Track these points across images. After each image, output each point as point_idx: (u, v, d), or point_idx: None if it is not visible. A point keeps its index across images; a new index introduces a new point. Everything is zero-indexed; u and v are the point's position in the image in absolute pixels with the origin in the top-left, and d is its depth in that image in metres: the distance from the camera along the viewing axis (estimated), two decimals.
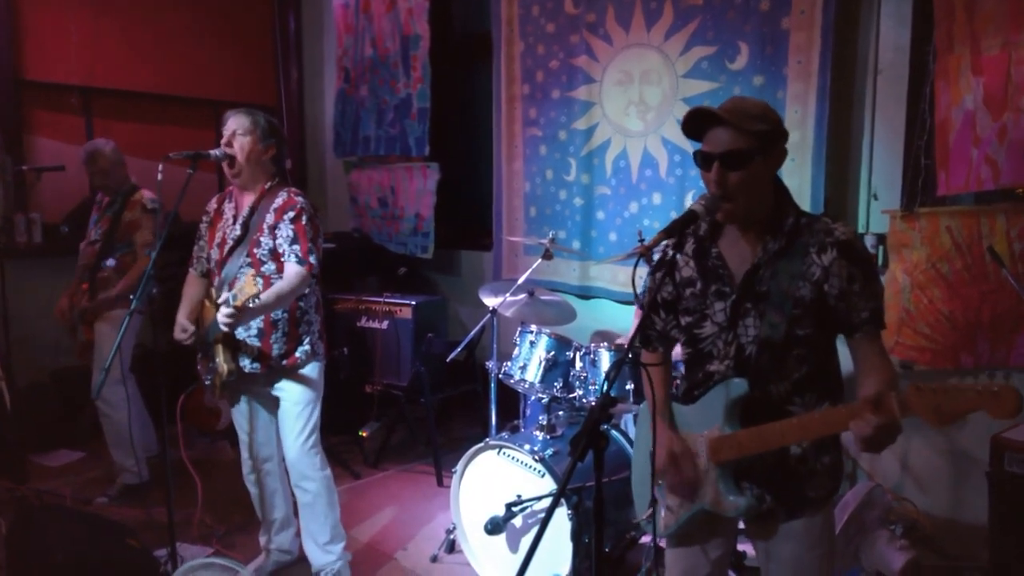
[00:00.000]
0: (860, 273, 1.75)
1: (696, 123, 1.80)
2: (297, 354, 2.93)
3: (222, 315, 2.59)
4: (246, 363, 2.88)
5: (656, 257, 3.55)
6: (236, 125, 2.86)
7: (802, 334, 1.78)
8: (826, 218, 1.83)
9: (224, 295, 2.63)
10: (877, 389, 1.61)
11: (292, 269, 2.81)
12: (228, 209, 2.99)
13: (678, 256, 1.94)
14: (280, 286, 2.76)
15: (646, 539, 3.21)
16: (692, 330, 1.92)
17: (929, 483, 3.68)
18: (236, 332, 2.85)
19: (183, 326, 2.91)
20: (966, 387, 1.45)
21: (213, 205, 3.08)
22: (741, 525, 2.11)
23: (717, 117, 1.75)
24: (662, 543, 2.15)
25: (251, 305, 2.59)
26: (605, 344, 3.37)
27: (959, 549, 3.35)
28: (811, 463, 1.84)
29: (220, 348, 2.82)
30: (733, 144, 1.73)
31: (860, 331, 1.77)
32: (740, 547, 3.05)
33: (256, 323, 2.86)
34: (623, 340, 3.86)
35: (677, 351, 2.10)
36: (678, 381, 2.07)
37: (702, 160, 1.79)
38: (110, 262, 3.92)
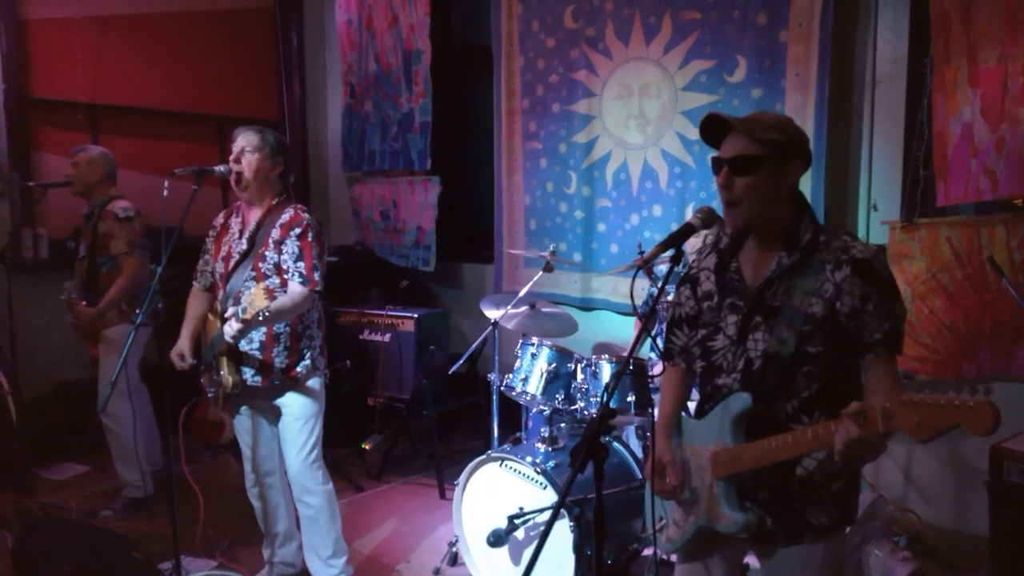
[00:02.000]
0: (876, 293, 1.70)
1: (713, 131, 1.83)
2: (298, 368, 2.95)
3: (229, 328, 2.62)
4: (248, 375, 2.90)
5: (657, 269, 3.58)
6: (245, 142, 2.89)
7: (813, 352, 1.75)
8: (847, 236, 1.79)
9: (232, 308, 2.65)
10: (860, 403, 1.57)
11: (295, 288, 2.84)
12: (235, 224, 3.02)
13: (700, 271, 1.96)
14: (282, 302, 2.78)
15: (648, 551, 3.22)
16: (706, 343, 1.92)
17: (932, 494, 3.68)
18: (239, 344, 2.87)
19: (181, 352, 2.94)
20: (946, 401, 1.42)
21: (220, 220, 3.11)
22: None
23: (728, 124, 1.78)
24: (666, 556, 2.15)
25: (260, 318, 2.61)
26: (606, 356, 3.38)
27: (963, 560, 3.34)
28: (818, 489, 1.80)
29: (224, 360, 2.84)
30: (741, 150, 1.76)
31: (871, 352, 1.72)
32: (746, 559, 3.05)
33: (258, 336, 2.88)
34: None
35: None
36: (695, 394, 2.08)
37: (715, 165, 1.82)
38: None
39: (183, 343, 2.97)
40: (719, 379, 1.89)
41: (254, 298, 2.61)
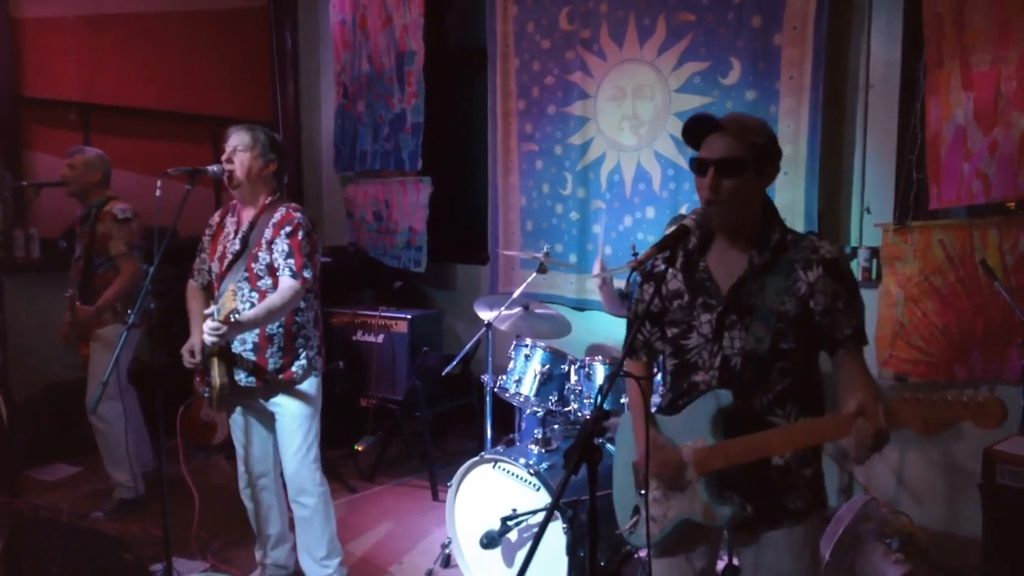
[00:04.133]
0: (844, 291, 1.78)
1: (695, 131, 1.84)
2: (293, 368, 2.94)
3: (206, 329, 2.60)
4: (241, 376, 2.88)
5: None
6: (237, 141, 2.89)
7: (785, 348, 1.81)
8: (812, 236, 1.87)
9: (209, 308, 2.65)
10: (860, 400, 1.62)
11: (285, 283, 2.83)
12: (230, 223, 3.01)
13: (667, 269, 1.97)
14: (272, 300, 2.77)
15: (642, 553, 3.21)
16: (678, 341, 1.95)
17: (924, 496, 3.69)
18: (232, 345, 2.86)
19: (191, 348, 2.88)
20: (952, 398, 1.47)
21: (216, 219, 3.10)
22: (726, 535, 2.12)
23: (716, 124, 1.79)
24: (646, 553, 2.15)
25: (233, 319, 2.60)
26: (600, 357, 3.38)
27: (955, 562, 3.35)
28: (792, 475, 1.86)
29: (215, 361, 2.83)
30: (730, 151, 1.77)
31: (843, 348, 1.80)
32: (736, 561, 3.05)
33: (252, 337, 2.87)
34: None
35: None
36: (663, 389, 2.08)
37: (698, 166, 1.82)
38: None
39: (195, 340, 2.91)
40: (695, 376, 1.91)
41: (225, 300, 2.61)
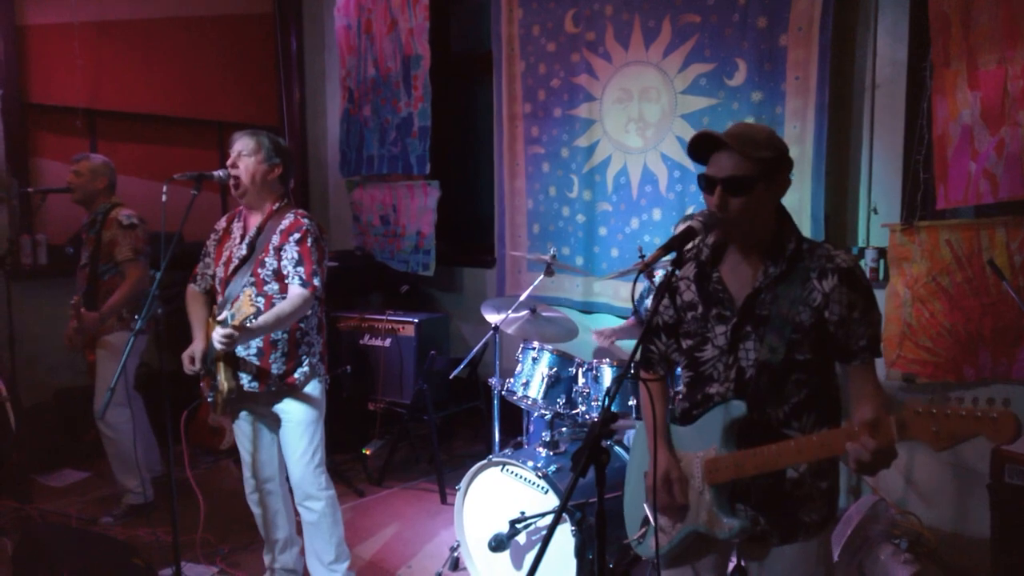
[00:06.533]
0: (860, 301, 1.76)
1: (701, 146, 1.81)
2: (296, 374, 2.94)
3: (218, 334, 2.61)
4: (245, 381, 2.89)
5: (657, 274, 3.58)
6: (241, 146, 2.89)
7: (801, 359, 1.79)
8: (828, 244, 1.84)
9: (222, 314, 2.65)
10: (873, 412, 1.61)
11: (295, 291, 2.84)
12: (236, 228, 3.01)
13: (679, 281, 1.96)
14: (281, 307, 2.78)
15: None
16: (693, 353, 1.93)
17: (933, 496, 3.67)
18: (236, 350, 2.86)
19: (192, 355, 2.89)
20: (966, 412, 1.46)
21: (222, 224, 3.10)
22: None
23: (722, 142, 1.76)
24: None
25: (249, 324, 2.60)
26: (607, 360, 3.38)
27: (964, 562, 3.34)
28: (808, 487, 1.84)
29: (222, 366, 2.84)
30: (736, 170, 1.75)
31: (857, 358, 1.79)
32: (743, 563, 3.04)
33: (256, 342, 2.87)
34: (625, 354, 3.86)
35: None
36: (678, 399, 2.07)
37: (706, 184, 1.80)
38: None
39: (197, 345, 2.93)
40: (710, 388, 1.90)
41: (241, 304, 2.61)
